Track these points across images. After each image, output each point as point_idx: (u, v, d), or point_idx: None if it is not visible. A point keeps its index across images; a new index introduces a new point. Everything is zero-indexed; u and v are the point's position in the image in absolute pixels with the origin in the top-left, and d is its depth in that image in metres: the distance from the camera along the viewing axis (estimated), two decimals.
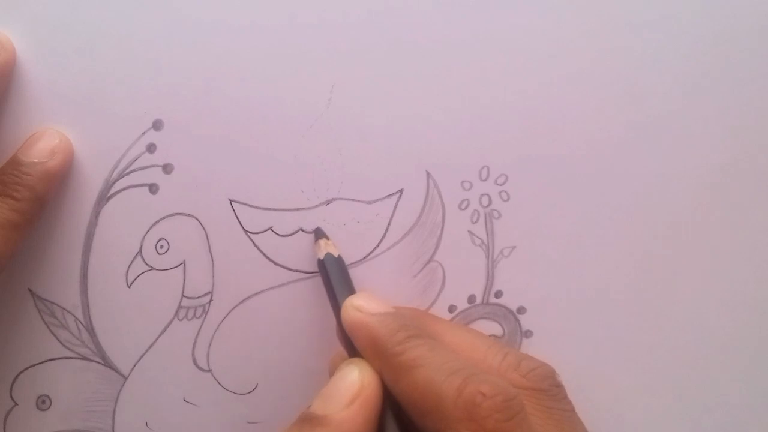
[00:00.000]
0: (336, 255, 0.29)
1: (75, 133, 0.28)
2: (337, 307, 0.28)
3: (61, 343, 0.29)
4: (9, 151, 0.27)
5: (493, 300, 0.31)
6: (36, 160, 0.27)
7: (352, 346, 0.27)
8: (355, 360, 0.26)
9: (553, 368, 0.27)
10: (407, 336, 0.25)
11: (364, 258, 0.30)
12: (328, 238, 0.30)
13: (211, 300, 0.30)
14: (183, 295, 0.30)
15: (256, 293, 0.30)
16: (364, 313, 0.27)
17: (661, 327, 0.32)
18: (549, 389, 0.26)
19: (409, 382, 0.24)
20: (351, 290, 0.28)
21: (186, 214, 0.29)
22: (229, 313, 0.30)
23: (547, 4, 0.29)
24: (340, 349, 0.28)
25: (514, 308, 0.32)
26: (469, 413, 0.23)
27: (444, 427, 0.23)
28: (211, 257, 0.30)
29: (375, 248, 0.30)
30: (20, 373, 0.29)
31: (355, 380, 0.25)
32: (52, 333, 0.29)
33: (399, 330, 0.26)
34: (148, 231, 0.29)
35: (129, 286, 0.29)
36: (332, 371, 0.29)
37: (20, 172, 0.27)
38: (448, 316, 0.31)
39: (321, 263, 0.29)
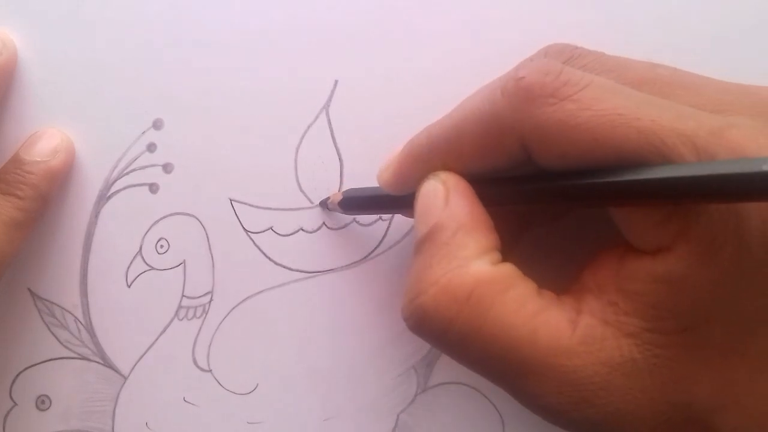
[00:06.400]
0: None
1: (75, 132, 0.28)
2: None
3: (61, 343, 0.29)
4: (10, 150, 0.27)
5: None
6: (39, 159, 0.27)
7: None
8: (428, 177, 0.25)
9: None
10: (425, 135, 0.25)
11: (365, 257, 0.30)
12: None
13: (211, 300, 0.30)
14: (183, 295, 0.30)
15: (257, 293, 0.30)
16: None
17: None
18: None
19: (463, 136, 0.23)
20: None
21: (186, 214, 0.29)
22: (229, 312, 0.30)
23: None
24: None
25: None
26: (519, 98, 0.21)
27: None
28: (212, 257, 0.30)
29: (375, 248, 0.30)
30: (20, 373, 0.29)
31: (435, 184, 0.24)
32: (52, 333, 0.29)
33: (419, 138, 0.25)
34: (148, 230, 0.29)
35: (129, 286, 0.29)
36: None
37: (23, 171, 0.27)
38: None
39: (345, 200, 0.28)
